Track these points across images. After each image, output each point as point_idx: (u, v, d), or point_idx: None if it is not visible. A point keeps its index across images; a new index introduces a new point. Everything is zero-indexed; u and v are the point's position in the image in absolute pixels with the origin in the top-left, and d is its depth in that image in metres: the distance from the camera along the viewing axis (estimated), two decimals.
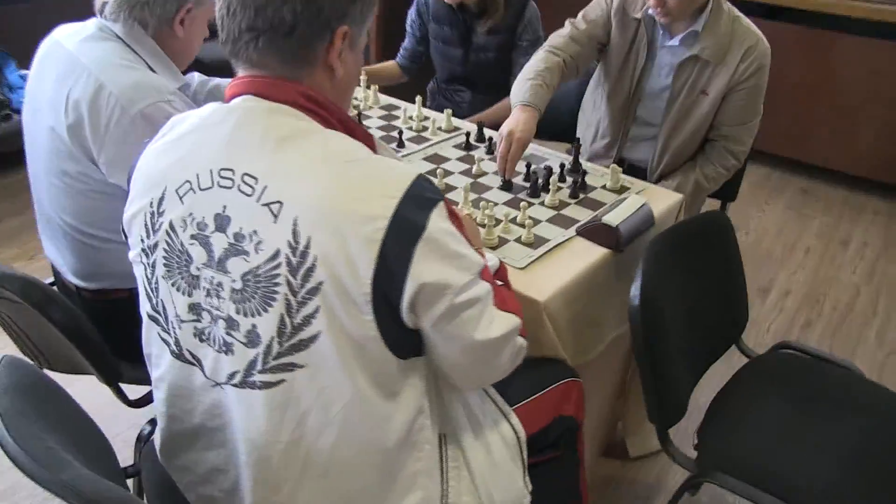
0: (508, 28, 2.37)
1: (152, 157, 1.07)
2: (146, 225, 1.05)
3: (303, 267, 0.93)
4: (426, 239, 0.94)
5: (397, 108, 2.29)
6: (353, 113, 2.22)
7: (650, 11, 1.93)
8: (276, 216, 0.94)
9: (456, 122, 2.16)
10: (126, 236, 1.11)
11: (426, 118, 2.16)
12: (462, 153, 2.00)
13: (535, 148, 2.05)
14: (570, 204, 1.75)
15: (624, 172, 2.07)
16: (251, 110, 1.00)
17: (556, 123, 2.65)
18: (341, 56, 1.03)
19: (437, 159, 1.96)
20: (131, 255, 1.10)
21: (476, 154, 1.99)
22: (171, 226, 1.02)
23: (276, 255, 0.94)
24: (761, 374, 1.73)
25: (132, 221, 1.08)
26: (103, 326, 1.48)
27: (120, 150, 1.39)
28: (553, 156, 2.01)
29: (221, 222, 0.98)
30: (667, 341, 1.47)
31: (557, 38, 2.06)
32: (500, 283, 1.18)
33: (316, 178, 0.94)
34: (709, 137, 2.09)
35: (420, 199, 0.95)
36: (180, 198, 1.01)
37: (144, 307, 1.11)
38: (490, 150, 2.00)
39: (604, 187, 1.84)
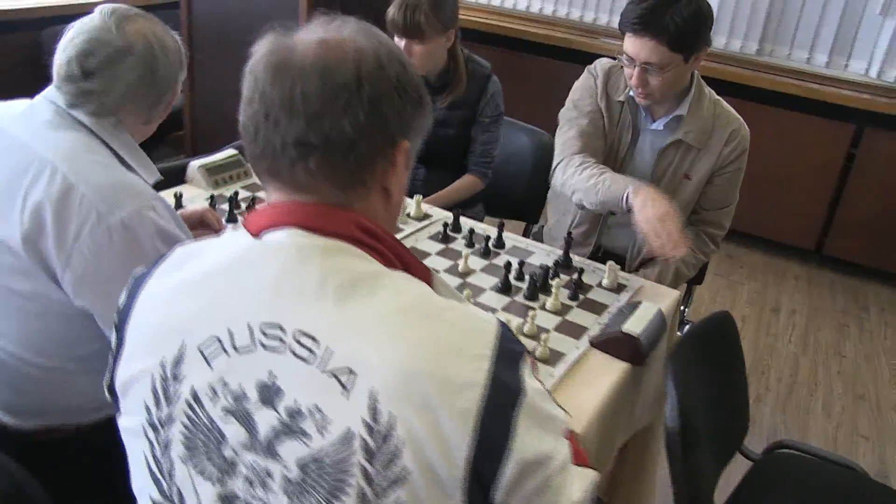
0: (470, 103, 2.27)
1: (160, 299, 0.86)
2: (155, 392, 0.83)
3: (384, 452, 0.74)
4: (526, 405, 0.78)
5: None
6: None
7: (631, 93, 1.88)
8: (346, 388, 0.75)
9: (425, 207, 2.02)
10: (115, 398, 0.89)
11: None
12: (441, 246, 1.86)
13: (514, 239, 1.94)
14: (572, 307, 1.64)
15: (600, 261, 2.01)
16: (302, 250, 0.81)
17: (508, 200, 2.57)
18: (398, 176, 0.88)
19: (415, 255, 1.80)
20: (125, 423, 0.88)
21: (455, 247, 1.85)
22: (195, 396, 0.81)
23: (348, 437, 0.75)
24: (769, 479, 1.66)
25: (130, 384, 0.86)
26: (44, 474, 1.21)
27: (92, 266, 1.16)
28: (538, 249, 1.90)
29: (268, 394, 0.78)
30: (699, 457, 1.37)
31: (569, 143, 1.94)
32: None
33: (395, 340, 0.76)
34: (688, 222, 2.05)
35: (510, 355, 0.80)
36: (207, 359, 0.80)
37: (145, 491, 0.88)
38: (471, 243, 1.86)
39: (599, 285, 1.74)
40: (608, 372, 1.43)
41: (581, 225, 2.09)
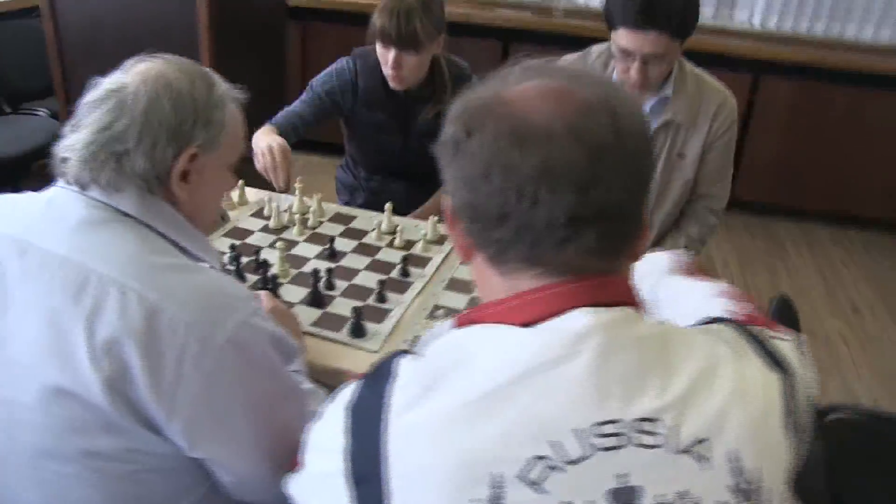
0: None
1: (433, 430, 0.68)
2: None
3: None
4: None
5: (352, 217, 1.91)
6: (306, 234, 1.79)
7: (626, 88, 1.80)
8: (705, 459, 0.68)
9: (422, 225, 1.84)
10: None
11: (396, 227, 1.82)
12: None
13: None
14: None
15: None
16: (607, 328, 0.70)
17: None
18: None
19: (461, 286, 1.64)
20: None
21: None
22: None
23: None
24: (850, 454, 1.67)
25: None
26: None
27: (204, 406, 0.90)
28: None
29: (626, 497, 0.66)
30: None
31: None
32: None
33: (732, 394, 0.71)
34: (689, 199, 2.02)
35: None
36: (535, 486, 0.65)
37: None
38: None
39: None
40: None
41: None
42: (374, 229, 1.82)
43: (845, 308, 3.30)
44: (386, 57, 1.87)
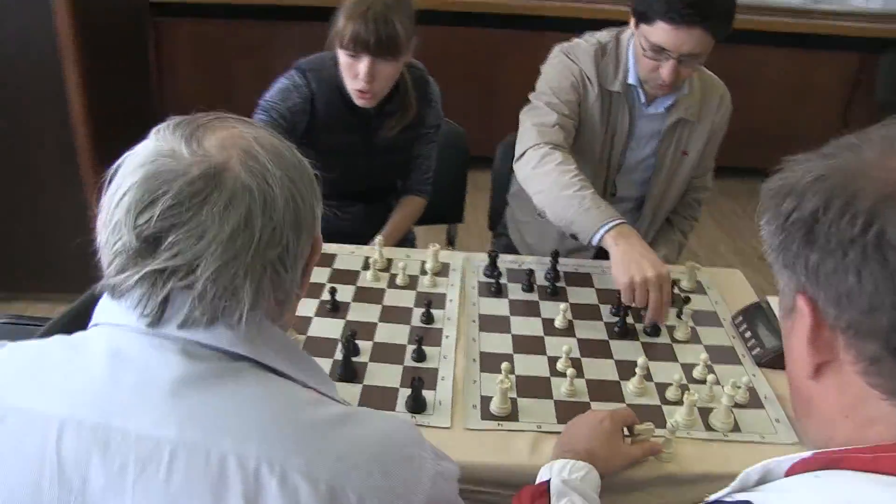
0: (418, 118, 1.86)
1: None
2: None
3: None
4: None
5: (331, 256, 1.65)
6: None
7: (631, 80, 1.68)
8: None
9: (439, 254, 1.63)
10: None
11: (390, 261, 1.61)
12: (522, 299, 1.55)
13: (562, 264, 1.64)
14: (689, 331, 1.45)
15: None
16: None
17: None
18: None
19: (494, 324, 1.46)
20: None
21: (527, 296, 1.55)
22: None
23: None
24: None
25: None
26: None
27: None
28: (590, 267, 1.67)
29: None
30: None
31: (548, 130, 1.64)
32: None
33: None
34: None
35: None
36: None
37: None
38: (529, 286, 1.56)
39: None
40: None
41: None
42: (366, 268, 1.58)
43: (752, 257, 3.45)
44: (356, 68, 1.61)
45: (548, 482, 1.00)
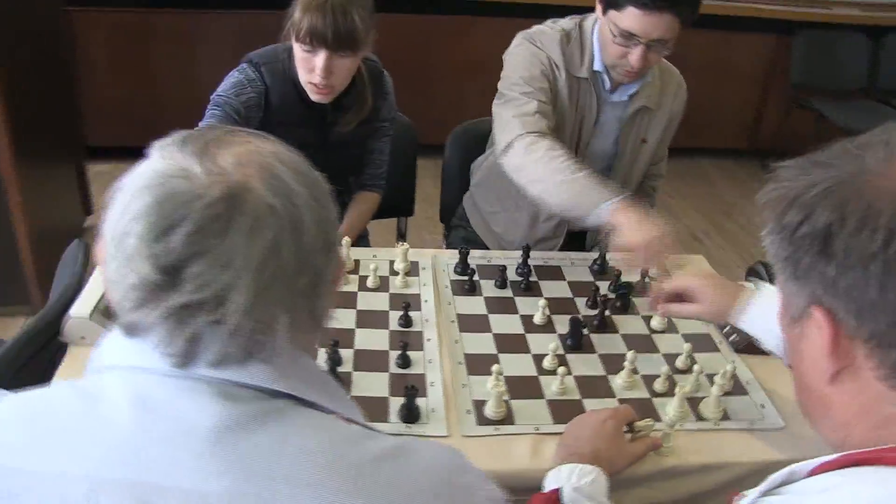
0: (374, 112, 1.80)
1: None
2: None
3: None
4: None
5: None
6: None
7: (597, 67, 1.68)
8: None
9: (404, 253, 1.59)
10: None
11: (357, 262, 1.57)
12: (496, 295, 1.52)
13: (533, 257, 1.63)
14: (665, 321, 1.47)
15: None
16: None
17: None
18: None
19: (473, 324, 1.43)
20: None
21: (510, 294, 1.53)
22: None
23: None
24: None
25: None
26: None
27: None
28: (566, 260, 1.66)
29: None
30: None
31: (530, 119, 1.60)
32: None
33: None
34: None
35: None
36: None
37: None
38: (503, 282, 1.54)
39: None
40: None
41: (550, 218, 1.86)
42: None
43: (686, 237, 3.55)
44: (312, 62, 1.54)
45: (558, 490, 0.99)
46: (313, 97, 1.61)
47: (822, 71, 4.09)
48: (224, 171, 0.62)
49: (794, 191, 0.62)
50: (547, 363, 1.32)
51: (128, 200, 0.62)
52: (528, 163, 1.55)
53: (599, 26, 1.64)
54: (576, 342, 1.38)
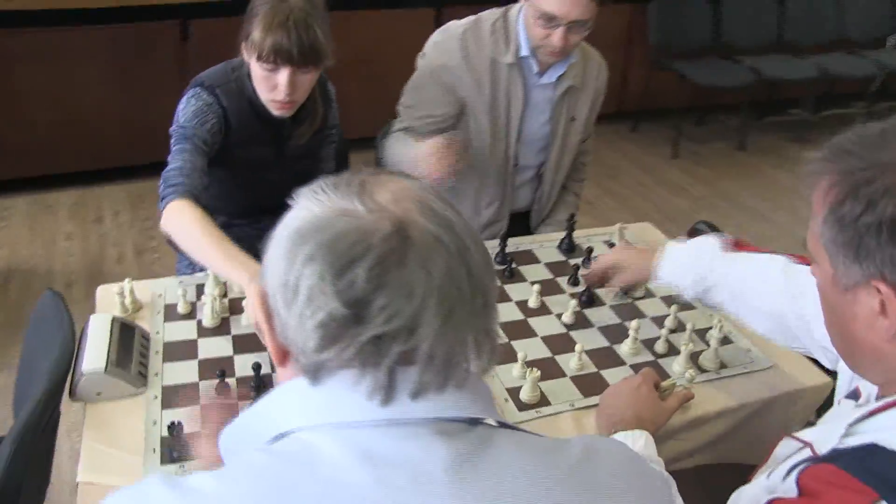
0: (323, 120, 1.79)
1: None
2: None
3: None
4: None
5: None
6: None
7: (523, 53, 1.79)
8: None
9: None
10: None
11: None
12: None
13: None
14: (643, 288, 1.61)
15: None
16: None
17: None
18: None
19: None
20: None
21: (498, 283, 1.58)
22: None
23: None
24: None
25: None
26: None
27: None
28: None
29: None
30: None
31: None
32: None
33: None
34: None
35: None
36: None
37: None
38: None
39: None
40: None
41: (491, 205, 1.98)
42: None
43: (581, 203, 3.76)
44: (274, 80, 1.52)
45: None
46: (276, 113, 1.60)
47: (676, 34, 4.43)
48: (384, 207, 0.64)
49: (848, 182, 0.73)
50: (566, 318, 1.49)
51: (290, 248, 0.63)
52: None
53: (525, 11, 1.76)
54: (589, 299, 1.54)
